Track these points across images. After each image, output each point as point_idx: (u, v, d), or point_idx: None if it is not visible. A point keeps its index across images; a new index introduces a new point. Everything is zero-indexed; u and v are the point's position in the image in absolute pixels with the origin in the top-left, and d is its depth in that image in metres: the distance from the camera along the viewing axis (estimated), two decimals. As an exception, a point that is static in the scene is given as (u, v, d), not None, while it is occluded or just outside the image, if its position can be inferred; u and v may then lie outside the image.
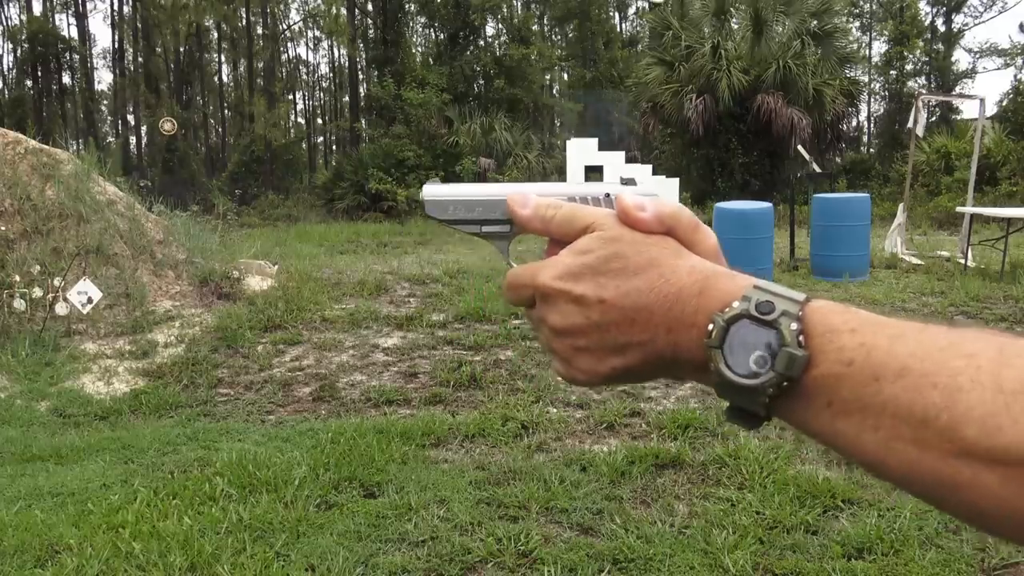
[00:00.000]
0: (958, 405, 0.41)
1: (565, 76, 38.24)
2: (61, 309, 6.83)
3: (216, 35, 37.63)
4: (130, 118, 37.00)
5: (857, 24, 34.81)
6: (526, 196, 0.60)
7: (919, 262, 10.32)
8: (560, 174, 22.71)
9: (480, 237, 0.64)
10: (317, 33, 41.15)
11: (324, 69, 43.78)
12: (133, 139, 36.60)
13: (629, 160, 12.11)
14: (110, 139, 37.64)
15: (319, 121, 42.91)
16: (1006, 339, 0.43)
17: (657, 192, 0.59)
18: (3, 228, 7.55)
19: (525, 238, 0.64)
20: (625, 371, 0.54)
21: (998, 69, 48.82)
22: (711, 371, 0.49)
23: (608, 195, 0.60)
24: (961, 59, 42.66)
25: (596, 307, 0.53)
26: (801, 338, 0.46)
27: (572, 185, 0.61)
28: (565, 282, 0.54)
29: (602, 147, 12.14)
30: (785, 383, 0.46)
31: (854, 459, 0.46)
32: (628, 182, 0.61)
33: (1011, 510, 0.41)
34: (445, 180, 0.64)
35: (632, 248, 0.53)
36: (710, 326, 0.49)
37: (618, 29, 38.60)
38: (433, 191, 0.64)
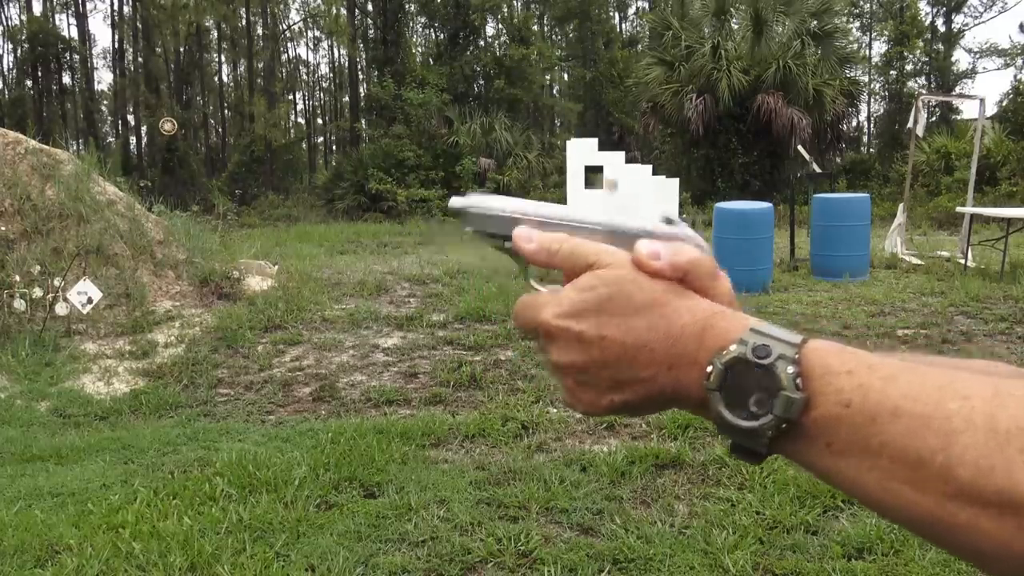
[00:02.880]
0: (953, 447, 0.41)
1: (565, 76, 38.24)
2: (61, 309, 6.83)
3: (216, 35, 37.62)
4: (130, 118, 36.99)
5: (857, 24, 34.81)
6: (531, 230, 0.60)
7: (919, 262, 10.32)
8: (560, 174, 22.70)
9: (503, 252, 0.64)
10: (317, 33, 41.18)
11: (324, 69, 43.80)
12: (133, 139, 36.60)
13: (629, 160, 12.11)
14: (110, 139, 37.65)
15: (319, 121, 42.92)
16: (1001, 380, 0.44)
17: (694, 234, 0.58)
18: (3, 228, 7.55)
19: None
20: (624, 405, 0.54)
21: (998, 69, 48.79)
22: (711, 411, 0.50)
23: (648, 231, 0.59)
24: (961, 59, 42.63)
25: (596, 344, 0.53)
26: (799, 381, 0.47)
27: (611, 218, 0.60)
28: (566, 320, 0.54)
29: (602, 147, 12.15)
30: (784, 425, 0.47)
31: (855, 497, 0.47)
32: (669, 221, 0.60)
33: (1008, 552, 0.41)
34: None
35: (634, 286, 0.53)
36: (709, 368, 0.49)
37: (618, 29, 38.60)
38: (467, 202, 0.63)
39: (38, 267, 7.23)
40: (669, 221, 0.61)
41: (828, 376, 0.46)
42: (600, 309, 0.53)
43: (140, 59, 35.15)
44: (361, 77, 35.40)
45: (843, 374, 0.46)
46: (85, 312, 6.89)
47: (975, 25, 43.58)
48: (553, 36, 37.32)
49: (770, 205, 9.32)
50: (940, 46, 33.92)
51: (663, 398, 0.53)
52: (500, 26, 32.84)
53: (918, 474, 0.43)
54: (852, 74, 25.98)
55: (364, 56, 33.69)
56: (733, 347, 0.49)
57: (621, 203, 10.38)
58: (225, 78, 39.98)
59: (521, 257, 0.63)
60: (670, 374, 0.52)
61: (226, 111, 38.61)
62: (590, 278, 0.55)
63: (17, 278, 6.98)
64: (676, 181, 11.83)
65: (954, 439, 0.42)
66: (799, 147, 14.10)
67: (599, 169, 11.43)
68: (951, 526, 0.42)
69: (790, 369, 0.47)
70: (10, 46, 35.89)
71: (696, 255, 0.55)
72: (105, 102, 39.74)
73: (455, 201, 0.64)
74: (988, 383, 0.43)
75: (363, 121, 31.73)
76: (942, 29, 34.24)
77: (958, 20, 34.85)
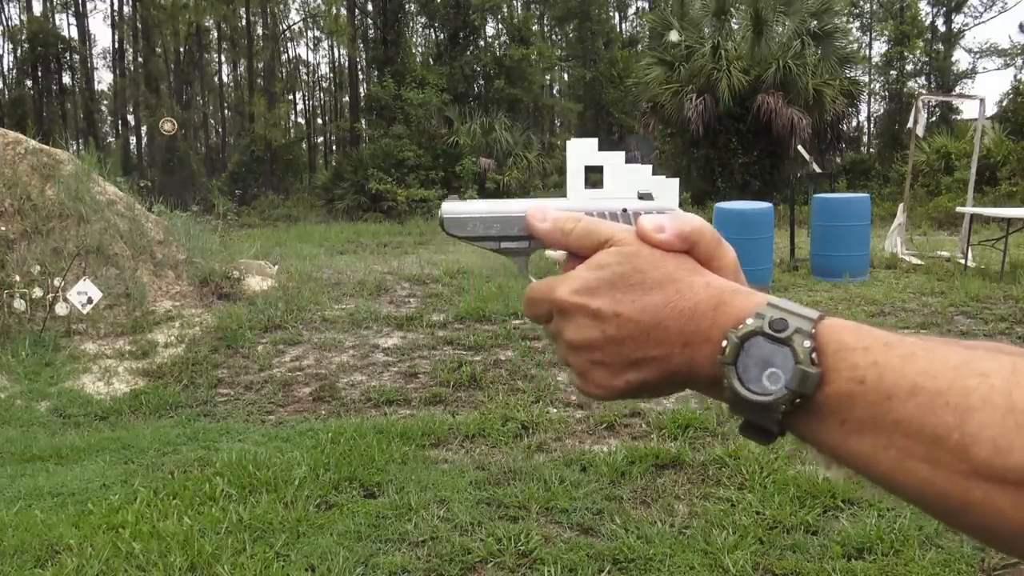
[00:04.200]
0: (970, 424, 0.41)
1: (565, 76, 38.24)
2: (61, 309, 6.83)
3: (216, 35, 37.61)
4: (130, 118, 36.98)
5: (857, 24, 34.81)
6: (545, 210, 0.60)
7: (919, 262, 10.32)
8: (560, 174, 22.70)
9: (499, 253, 0.64)
10: (317, 33, 41.15)
11: (324, 69, 43.76)
12: (133, 139, 36.60)
13: (629, 160, 12.10)
14: (110, 139, 37.63)
15: (319, 121, 42.89)
16: (1019, 359, 0.43)
17: (675, 206, 0.58)
18: (3, 228, 7.55)
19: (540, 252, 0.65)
20: (640, 385, 0.54)
21: (998, 69, 48.79)
22: (725, 387, 0.49)
23: (625, 210, 0.60)
24: (961, 59, 42.62)
25: (612, 321, 0.53)
26: (814, 355, 0.46)
27: (589, 200, 0.61)
28: (582, 296, 0.54)
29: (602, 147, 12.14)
30: (798, 400, 0.47)
31: (868, 477, 0.46)
32: (645, 196, 0.61)
33: (1021, 530, 0.41)
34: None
35: (649, 263, 0.53)
36: (724, 343, 0.49)
37: (618, 29, 38.60)
38: (452, 208, 0.64)
39: (38, 267, 7.23)
40: (645, 196, 0.61)
41: (843, 352, 0.46)
42: (615, 286, 0.53)
43: (140, 59, 35.15)
44: (361, 77, 35.40)
45: (858, 350, 0.46)
46: (85, 312, 6.89)
47: (975, 25, 43.63)
48: (553, 36, 37.32)
49: (770, 205, 9.32)
50: (940, 46, 33.91)
51: (678, 377, 0.53)
52: (500, 26, 32.85)
53: (933, 452, 0.42)
54: (852, 74, 25.97)
55: (364, 56, 33.69)
56: (750, 320, 0.49)
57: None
58: (225, 78, 40.01)
59: (521, 256, 0.64)
60: (684, 352, 0.52)
61: (226, 111, 38.62)
62: (605, 255, 0.55)
63: (17, 278, 6.98)
64: (676, 181, 11.82)
65: (971, 417, 0.41)
66: (799, 147, 14.10)
67: (599, 169, 11.43)
68: (965, 504, 0.42)
69: (806, 343, 0.47)
70: (10, 46, 35.90)
71: (699, 223, 0.55)
72: (105, 102, 39.73)
73: (442, 208, 0.65)
74: (1006, 361, 0.43)
75: (363, 121, 31.72)
76: (942, 29, 34.24)
77: (958, 20, 34.86)
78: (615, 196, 0.63)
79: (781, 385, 0.47)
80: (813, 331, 0.47)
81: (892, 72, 34.15)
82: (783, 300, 0.50)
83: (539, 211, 0.60)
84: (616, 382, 0.54)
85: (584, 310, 0.54)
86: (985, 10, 35.22)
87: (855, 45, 30.35)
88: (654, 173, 11.90)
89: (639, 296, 0.53)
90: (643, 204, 0.60)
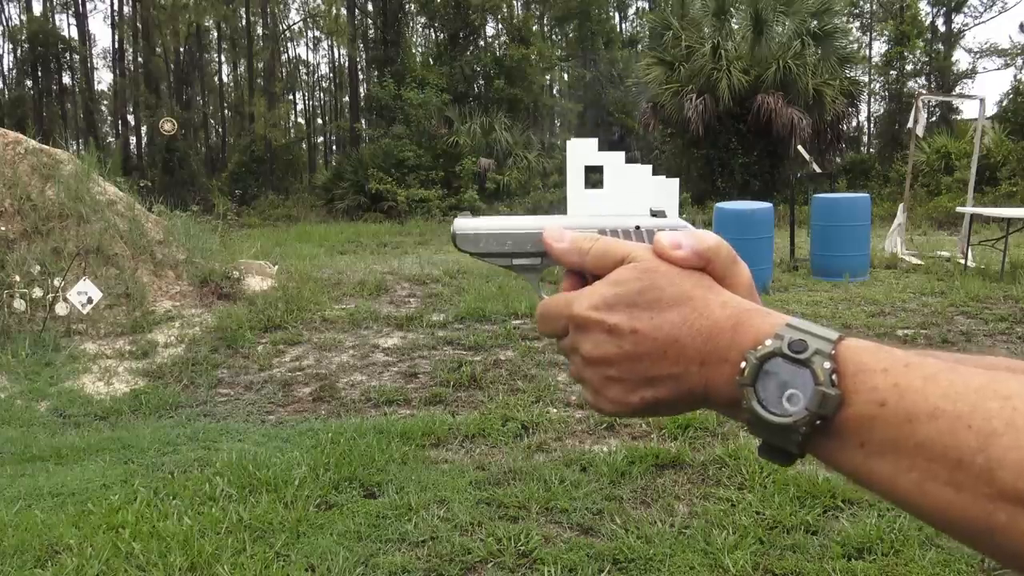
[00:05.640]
0: (993, 448, 0.41)
1: (565, 76, 38.24)
2: (61, 309, 6.83)
3: (216, 35, 37.62)
4: (130, 118, 36.96)
5: (857, 24, 34.78)
6: (561, 230, 0.60)
7: (919, 262, 10.32)
8: (560, 174, 22.68)
9: (511, 270, 0.64)
10: (317, 33, 41.16)
11: (324, 69, 43.76)
12: (133, 139, 36.58)
13: (629, 160, 12.09)
14: (110, 139, 37.61)
15: (319, 121, 42.89)
16: None
17: (688, 224, 0.59)
18: (3, 228, 7.55)
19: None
20: (655, 402, 0.54)
21: (998, 69, 48.77)
22: (743, 408, 0.49)
23: (638, 227, 0.60)
24: (961, 59, 42.50)
25: (629, 337, 0.53)
26: (834, 377, 0.46)
27: (602, 218, 0.61)
28: (600, 312, 0.54)
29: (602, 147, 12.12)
30: (818, 422, 0.46)
31: (889, 499, 0.46)
32: (658, 214, 0.61)
33: None
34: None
35: (666, 280, 0.53)
36: (743, 363, 0.49)
37: (618, 29, 38.59)
38: (464, 224, 0.64)
39: (38, 267, 7.23)
40: (657, 214, 0.61)
41: (863, 374, 0.46)
42: (632, 302, 0.53)
43: (140, 59, 35.13)
44: (361, 77, 35.41)
45: (878, 372, 0.46)
46: (85, 312, 6.89)
47: (975, 25, 43.63)
48: (553, 36, 37.29)
49: (770, 205, 9.31)
50: (940, 46, 33.90)
51: (694, 397, 0.53)
52: (500, 26, 32.83)
53: (956, 476, 0.42)
54: (852, 74, 25.95)
55: (364, 56, 33.70)
56: (769, 342, 0.48)
57: (622, 204, 10.38)
58: (225, 78, 40.02)
59: (533, 272, 0.64)
60: (702, 371, 0.51)
61: (226, 111, 38.62)
62: (623, 271, 0.55)
63: (17, 278, 6.98)
64: (676, 181, 11.80)
65: (994, 440, 0.41)
66: (799, 147, 14.09)
67: (599, 169, 11.41)
68: (990, 527, 0.42)
69: (826, 364, 0.46)
70: (10, 46, 35.90)
71: (716, 241, 0.55)
72: (105, 102, 39.71)
73: (455, 224, 0.65)
74: None
75: (363, 121, 31.73)
76: (942, 29, 34.24)
77: (958, 20, 34.85)
78: (628, 213, 0.63)
79: (801, 406, 0.47)
80: (833, 352, 0.47)
81: (892, 72, 34.14)
82: (802, 320, 0.49)
83: (556, 231, 0.60)
84: (631, 399, 0.54)
85: (601, 326, 0.54)
86: (985, 10, 35.22)
87: (855, 45, 30.31)
88: (654, 173, 11.88)
89: (656, 313, 0.53)
90: (656, 221, 0.60)
